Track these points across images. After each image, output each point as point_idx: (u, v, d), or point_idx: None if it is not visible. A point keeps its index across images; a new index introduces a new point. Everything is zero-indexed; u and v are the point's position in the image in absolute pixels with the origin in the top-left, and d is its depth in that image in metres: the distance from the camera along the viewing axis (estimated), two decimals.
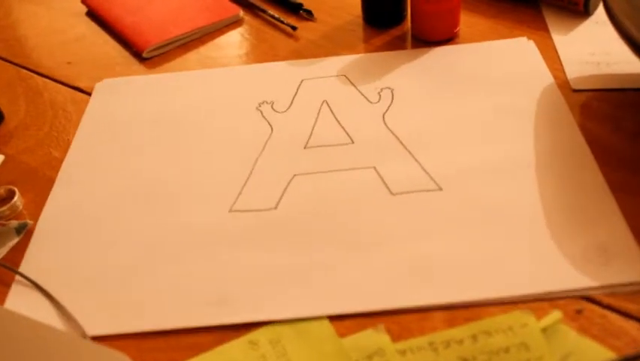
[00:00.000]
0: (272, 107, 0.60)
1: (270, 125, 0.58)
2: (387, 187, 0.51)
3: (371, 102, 0.59)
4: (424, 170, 0.52)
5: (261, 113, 0.60)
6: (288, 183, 0.52)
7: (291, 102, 0.60)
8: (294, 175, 0.53)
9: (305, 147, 0.55)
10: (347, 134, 0.56)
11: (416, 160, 0.53)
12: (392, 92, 0.60)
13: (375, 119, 0.57)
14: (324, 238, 0.48)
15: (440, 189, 0.50)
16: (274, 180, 0.53)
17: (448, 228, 0.47)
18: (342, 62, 0.65)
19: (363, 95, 0.60)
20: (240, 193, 0.52)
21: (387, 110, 0.58)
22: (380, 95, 0.59)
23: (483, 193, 0.49)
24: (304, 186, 0.52)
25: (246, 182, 0.53)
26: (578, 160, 0.50)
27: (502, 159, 0.52)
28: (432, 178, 0.51)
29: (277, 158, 0.55)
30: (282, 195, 0.52)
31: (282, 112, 0.59)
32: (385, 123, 0.57)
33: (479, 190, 0.49)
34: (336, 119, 0.58)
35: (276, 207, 0.51)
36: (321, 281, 0.45)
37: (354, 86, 0.61)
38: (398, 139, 0.55)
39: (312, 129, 0.57)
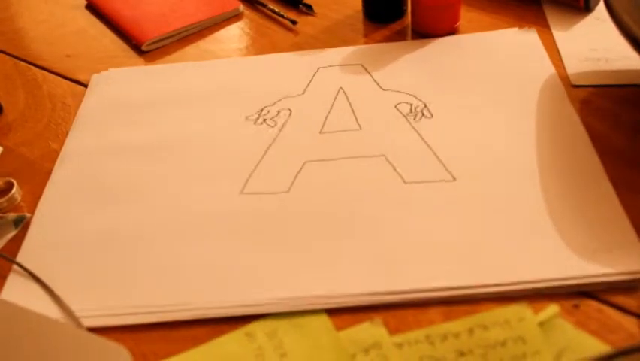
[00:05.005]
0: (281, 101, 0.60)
1: (289, 110, 0.58)
2: (400, 176, 0.51)
3: (384, 90, 0.59)
4: (438, 158, 0.52)
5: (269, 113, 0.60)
6: (301, 168, 0.52)
7: (305, 89, 0.61)
8: (306, 161, 0.53)
9: (320, 132, 0.56)
10: (357, 121, 0.56)
11: (430, 148, 0.53)
12: (401, 84, 0.60)
13: (388, 108, 0.57)
14: (335, 225, 0.48)
15: (452, 178, 0.50)
16: (287, 164, 0.53)
17: (451, 217, 0.47)
18: (344, 53, 0.65)
19: (376, 82, 0.60)
20: (250, 175, 0.52)
21: (400, 102, 0.58)
22: (391, 88, 0.60)
23: (487, 185, 0.49)
24: (318, 171, 0.52)
25: (257, 164, 0.53)
26: (580, 154, 0.50)
27: (504, 150, 0.52)
28: (445, 166, 0.51)
29: (291, 143, 0.55)
30: (295, 179, 0.51)
31: (297, 96, 0.60)
32: (399, 110, 0.57)
33: (483, 182, 0.49)
34: (351, 106, 0.58)
35: (288, 191, 0.50)
36: (324, 271, 0.45)
37: (369, 74, 0.61)
38: (413, 127, 0.55)
39: (327, 116, 0.57)
